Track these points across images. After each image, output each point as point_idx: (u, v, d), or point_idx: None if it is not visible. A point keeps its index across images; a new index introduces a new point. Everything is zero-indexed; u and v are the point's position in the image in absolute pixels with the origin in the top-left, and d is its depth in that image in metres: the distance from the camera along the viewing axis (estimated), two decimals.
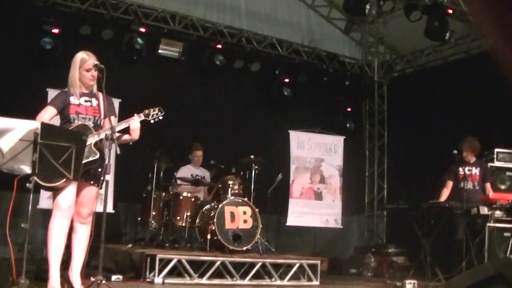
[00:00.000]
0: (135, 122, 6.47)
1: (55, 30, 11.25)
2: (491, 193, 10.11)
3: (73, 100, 6.33)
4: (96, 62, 6.36)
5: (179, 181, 10.86)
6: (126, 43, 12.18)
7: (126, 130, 6.52)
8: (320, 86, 14.77)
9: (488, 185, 10.43)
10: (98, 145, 6.25)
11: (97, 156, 6.22)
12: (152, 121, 6.68)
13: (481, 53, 12.96)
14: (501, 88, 11.81)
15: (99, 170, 6.24)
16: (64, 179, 5.77)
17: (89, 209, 6.34)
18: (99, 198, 6.70)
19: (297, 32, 14.82)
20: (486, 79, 12.15)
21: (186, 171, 11.31)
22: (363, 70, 15.70)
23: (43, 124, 5.54)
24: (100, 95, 6.49)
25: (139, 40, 12.10)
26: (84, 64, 6.38)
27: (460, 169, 10.39)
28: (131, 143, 6.67)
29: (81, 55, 6.43)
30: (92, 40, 11.25)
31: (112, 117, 6.49)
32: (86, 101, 6.41)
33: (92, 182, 6.29)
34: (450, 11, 11.97)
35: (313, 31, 15.12)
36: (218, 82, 13.35)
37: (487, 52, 12.70)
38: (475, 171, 10.39)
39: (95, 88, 6.50)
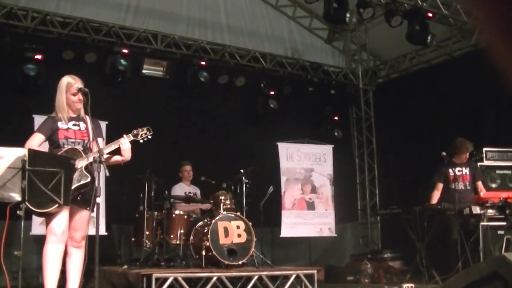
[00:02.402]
0: (125, 143, 6.47)
1: (38, 56, 11.25)
2: (483, 192, 10.13)
3: (61, 125, 6.34)
4: (81, 86, 6.37)
5: (172, 199, 10.86)
6: (110, 65, 12.17)
7: (117, 152, 6.53)
8: (306, 97, 14.81)
9: (479, 184, 10.47)
10: (89, 168, 6.26)
11: (89, 179, 6.22)
12: (141, 141, 6.68)
13: (464, 54, 13.07)
14: (485, 87, 11.91)
15: (90, 193, 6.23)
16: (56, 205, 5.77)
17: (82, 232, 6.34)
18: (91, 221, 6.69)
19: (280, 44, 14.88)
20: (469, 80, 12.27)
21: (178, 190, 11.31)
22: (347, 78, 15.76)
23: (30, 150, 5.54)
24: (88, 118, 6.50)
25: (122, 61, 12.11)
26: (71, 88, 6.39)
27: (450, 170, 10.42)
28: (123, 164, 6.68)
29: (66, 79, 6.44)
30: (76, 64, 11.27)
31: (100, 139, 6.51)
32: (74, 125, 6.42)
33: (84, 206, 6.29)
34: (430, 15, 12.09)
35: (296, 42, 15.19)
36: (204, 98, 13.34)
37: (469, 53, 12.83)
38: (465, 171, 10.43)
39: (82, 111, 6.51)
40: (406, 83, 14.71)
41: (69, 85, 6.41)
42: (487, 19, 1.18)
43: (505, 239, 9.48)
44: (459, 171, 10.39)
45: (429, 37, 12.27)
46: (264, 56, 14.28)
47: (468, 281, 5.47)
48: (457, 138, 10.55)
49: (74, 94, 6.39)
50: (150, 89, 12.82)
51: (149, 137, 6.73)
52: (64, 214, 6.05)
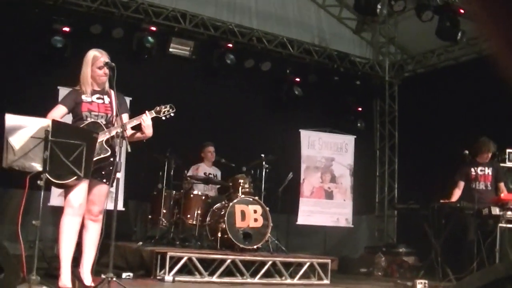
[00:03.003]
0: (147, 119, 6.46)
1: (66, 29, 11.27)
2: (504, 193, 10.06)
3: (85, 98, 6.36)
4: (108, 60, 6.38)
5: (191, 180, 10.88)
6: (137, 42, 12.18)
7: (138, 128, 6.53)
8: (331, 86, 14.75)
9: (501, 185, 10.38)
10: (110, 143, 6.27)
11: (109, 153, 6.23)
12: (163, 118, 6.65)
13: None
14: None
15: (110, 168, 6.25)
16: (75, 177, 5.78)
17: (100, 207, 6.37)
18: (110, 196, 6.71)
19: (308, 31, 14.81)
20: (497, 80, 12.11)
21: (200, 169, 11.34)
22: (374, 70, 15.68)
23: (54, 121, 5.56)
24: (112, 93, 6.50)
25: (149, 39, 12.10)
26: (96, 61, 6.40)
27: (472, 169, 10.36)
28: (145, 141, 6.68)
29: (93, 53, 6.46)
30: (103, 38, 11.28)
31: (125, 115, 6.53)
32: (98, 98, 6.44)
33: (103, 180, 6.31)
34: (462, 11, 11.93)
35: (324, 30, 15.10)
36: (229, 81, 13.33)
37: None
38: (488, 171, 10.36)
39: (107, 85, 6.54)
40: (432, 79, 14.59)
41: (95, 58, 6.42)
42: (492, 28, 1.16)
43: None
44: (481, 171, 10.32)
45: (459, 34, 12.16)
46: (292, 42, 14.23)
47: (482, 282, 5.42)
48: (480, 138, 10.47)
49: (100, 68, 6.41)
50: (175, 68, 12.81)
51: (172, 114, 6.69)
52: (82, 187, 6.07)
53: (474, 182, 10.20)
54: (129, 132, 6.40)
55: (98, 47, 6.68)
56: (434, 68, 14.74)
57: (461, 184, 10.50)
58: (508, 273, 5.17)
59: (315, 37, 14.92)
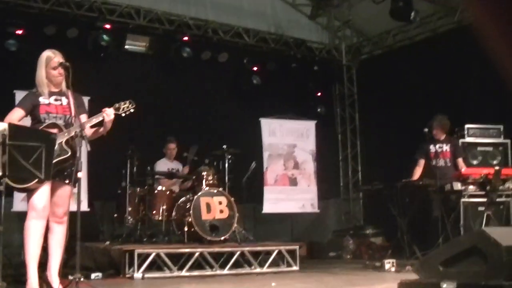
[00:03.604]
0: (109, 115, 6.38)
1: (19, 31, 11.17)
2: (463, 169, 10.19)
3: (42, 100, 6.28)
4: (62, 60, 6.33)
5: (157, 175, 10.87)
6: (92, 41, 12.09)
7: (98, 125, 6.48)
8: (289, 73, 14.79)
9: (460, 161, 10.52)
10: (70, 143, 6.21)
11: (69, 154, 6.17)
12: (123, 115, 6.56)
13: (447, 31, 13.08)
14: (468, 64, 11.95)
15: (72, 168, 6.19)
16: (36, 180, 5.73)
17: (64, 208, 6.30)
18: (73, 197, 6.67)
19: (263, 20, 14.81)
20: (453, 57, 12.30)
21: (162, 165, 11.31)
22: (331, 54, 15.76)
23: (10, 125, 5.51)
24: (69, 93, 6.44)
25: (104, 37, 12.04)
26: (50, 62, 6.33)
27: (431, 147, 10.50)
28: (106, 134, 6.61)
29: (46, 54, 6.38)
30: (58, 39, 11.19)
31: (84, 115, 6.47)
32: (56, 100, 6.36)
33: (65, 181, 6.25)
34: None
35: (279, 18, 15.12)
36: (187, 74, 13.30)
37: (453, 29, 12.85)
38: (446, 148, 10.50)
39: (64, 86, 6.45)
40: (389, 60, 14.70)
41: (49, 59, 6.35)
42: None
43: (485, 215, 9.55)
44: (439, 147, 10.45)
45: (412, 13, 12.25)
46: (247, 32, 14.24)
47: (448, 254, 5.52)
48: (436, 115, 10.61)
49: (54, 68, 6.33)
50: (132, 65, 12.78)
51: (132, 110, 6.62)
52: (45, 189, 6.01)
53: (435, 159, 10.33)
54: (89, 131, 6.36)
55: (53, 48, 6.59)
56: (390, 49, 14.85)
57: (422, 162, 10.62)
58: (471, 244, 5.27)
59: (271, 25, 14.93)
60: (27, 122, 6.45)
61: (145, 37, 12.86)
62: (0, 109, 6.57)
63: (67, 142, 6.17)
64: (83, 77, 6.84)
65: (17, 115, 6.24)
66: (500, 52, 1.20)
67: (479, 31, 1.19)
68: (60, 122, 6.26)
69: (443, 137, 10.56)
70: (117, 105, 6.55)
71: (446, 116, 10.59)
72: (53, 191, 6.17)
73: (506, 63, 1.20)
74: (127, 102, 6.62)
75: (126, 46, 12.64)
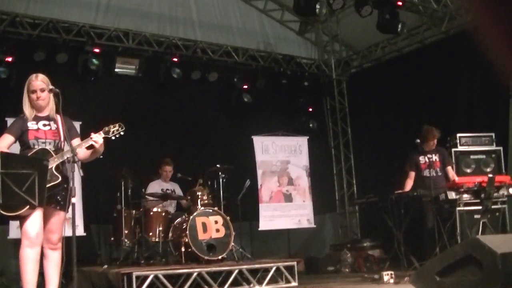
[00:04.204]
0: (99, 138, 6.35)
1: (9, 59, 11.19)
2: (456, 178, 10.23)
3: (30, 125, 6.27)
4: (43, 85, 6.29)
5: (148, 197, 10.85)
6: (82, 65, 12.14)
7: (90, 147, 6.46)
8: (280, 89, 14.85)
9: (449, 169, 10.58)
10: (60, 169, 6.20)
11: (59, 180, 6.14)
12: (113, 138, 6.52)
13: (435, 42, 13.16)
14: (457, 74, 12.00)
15: (63, 194, 6.18)
16: (27, 206, 5.72)
17: (58, 234, 6.27)
18: (68, 222, 6.65)
19: (252, 38, 14.88)
20: (441, 67, 12.38)
21: (156, 187, 11.30)
22: (320, 69, 15.81)
23: (1, 153, 5.51)
24: (59, 118, 6.43)
25: (94, 60, 12.06)
26: (29, 85, 6.32)
27: (421, 158, 10.57)
28: (101, 156, 6.59)
29: (29, 78, 6.37)
30: (47, 65, 11.19)
31: (76, 139, 6.47)
32: (44, 125, 6.34)
33: (57, 207, 6.23)
34: (400, 3, 12.12)
35: (268, 35, 15.20)
36: (178, 94, 13.33)
37: (440, 40, 12.94)
38: (435, 157, 10.53)
39: (53, 111, 6.42)
40: (378, 72, 14.78)
41: (28, 82, 6.33)
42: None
43: (481, 223, 9.57)
44: (429, 158, 10.49)
45: (399, 26, 12.32)
46: (236, 50, 14.28)
47: (443, 264, 5.54)
48: (423, 126, 10.68)
49: (32, 92, 6.31)
50: (123, 88, 12.79)
51: (122, 133, 6.58)
52: (37, 216, 5.98)
53: (426, 170, 10.39)
54: (83, 154, 6.35)
55: (43, 73, 6.59)
56: (379, 62, 14.91)
57: (412, 174, 10.68)
58: (465, 253, 5.29)
59: (259, 43, 14.99)
60: (15, 149, 6.42)
61: (135, 60, 12.87)
62: None
63: (57, 167, 6.15)
64: (74, 102, 6.89)
65: (6, 142, 6.22)
66: (502, 55, 1.21)
67: (479, 35, 1.21)
68: (50, 147, 6.25)
69: (431, 147, 10.60)
70: (106, 128, 6.52)
71: (433, 126, 10.64)
72: (46, 217, 6.14)
73: (507, 66, 1.21)
74: (117, 125, 6.59)
75: (116, 69, 12.65)
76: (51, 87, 6.30)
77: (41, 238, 6.09)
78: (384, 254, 12.25)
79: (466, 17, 11.52)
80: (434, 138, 10.55)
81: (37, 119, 6.34)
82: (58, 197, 6.21)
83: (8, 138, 6.26)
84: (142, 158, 11.79)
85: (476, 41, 1.22)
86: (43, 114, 6.41)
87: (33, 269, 6.04)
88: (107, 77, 12.53)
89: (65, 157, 6.13)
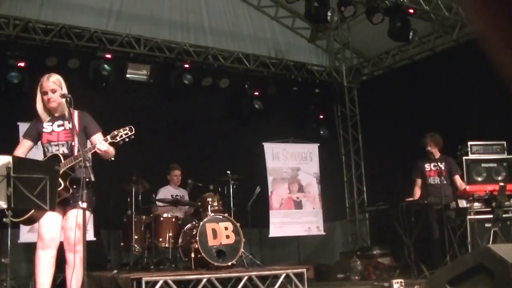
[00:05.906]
0: (102, 147, 6.12)
1: (21, 64, 11.25)
2: (465, 186, 10.20)
3: (45, 128, 6.29)
4: (53, 86, 6.24)
5: (158, 203, 10.85)
6: (93, 71, 12.18)
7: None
8: (290, 96, 14.85)
9: (457, 178, 10.57)
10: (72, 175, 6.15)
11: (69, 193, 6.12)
12: (121, 142, 6.25)
13: (446, 49, 13.15)
14: (468, 81, 11.96)
15: (77, 194, 5.95)
16: (32, 211, 5.73)
17: (73, 232, 6.00)
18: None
19: (263, 44, 14.90)
20: (453, 75, 12.36)
21: (165, 192, 11.31)
22: (331, 76, 15.81)
23: (14, 157, 5.53)
24: (76, 115, 6.37)
25: (106, 66, 12.10)
26: (41, 87, 6.32)
27: (427, 165, 10.57)
28: (112, 158, 6.45)
29: (41, 79, 6.36)
30: (59, 70, 11.01)
31: (97, 134, 6.43)
32: (59, 125, 6.34)
33: (75, 204, 6.07)
34: (411, 11, 12.13)
35: (279, 42, 15.22)
36: (188, 101, 13.33)
37: (451, 48, 12.92)
38: (441, 166, 10.50)
39: (66, 111, 6.30)
40: (389, 80, 14.78)
41: (40, 84, 6.33)
42: (480, 8, 1.19)
43: (492, 231, 9.54)
44: (434, 166, 10.47)
45: (411, 33, 12.32)
46: (248, 57, 14.30)
47: (454, 273, 5.51)
48: (426, 133, 10.68)
49: (44, 93, 6.30)
50: (134, 94, 12.80)
51: (132, 137, 6.28)
52: (54, 219, 6.00)
53: (431, 178, 10.40)
54: (103, 148, 6.14)
55: None
56: (390, 69, 14.92)
57: (419, 181, 10.70)
58: (476, 262, 5.26)
59: (270, 50, 15.01)
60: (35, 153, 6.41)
61: (146, 66, 12.89)
62: (3, 142, 6.63)
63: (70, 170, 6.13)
64: (85, 107, 6.86)
65: (24, 147, 6.28)
66: (507, 63, 1.21)
67: (485, 44, 1.21)
68: (64, 149, 6.23)
69: (438, 154, 10.58)
70: (115, 132, 6.26)
71: (437, 132, 10.64)
72: (66, 217, 6.16)
73: None
74: (127, 128, 6.30)
75: (127, 75, 12.66)
76: (63, 92, 6.27)
77: (56, 242, 6.08)
78: (394, 262, 12.21)
79: (471, 27, 11.49)
80: (437, 145, 10.56)
81: (52, 120, 6.34)
82: (75, 198, 6.09)
83: (26, 143, 6.30)
84: (153, 164, 11.79)
85: (483, 50, 1.21)
86: (58, 113, 6.38)
87: (45, 271, 6.04)
88: (119, 83, 12.56)
89: (75, 161, 6.04)
